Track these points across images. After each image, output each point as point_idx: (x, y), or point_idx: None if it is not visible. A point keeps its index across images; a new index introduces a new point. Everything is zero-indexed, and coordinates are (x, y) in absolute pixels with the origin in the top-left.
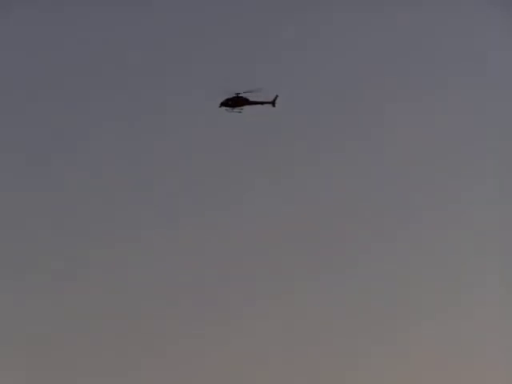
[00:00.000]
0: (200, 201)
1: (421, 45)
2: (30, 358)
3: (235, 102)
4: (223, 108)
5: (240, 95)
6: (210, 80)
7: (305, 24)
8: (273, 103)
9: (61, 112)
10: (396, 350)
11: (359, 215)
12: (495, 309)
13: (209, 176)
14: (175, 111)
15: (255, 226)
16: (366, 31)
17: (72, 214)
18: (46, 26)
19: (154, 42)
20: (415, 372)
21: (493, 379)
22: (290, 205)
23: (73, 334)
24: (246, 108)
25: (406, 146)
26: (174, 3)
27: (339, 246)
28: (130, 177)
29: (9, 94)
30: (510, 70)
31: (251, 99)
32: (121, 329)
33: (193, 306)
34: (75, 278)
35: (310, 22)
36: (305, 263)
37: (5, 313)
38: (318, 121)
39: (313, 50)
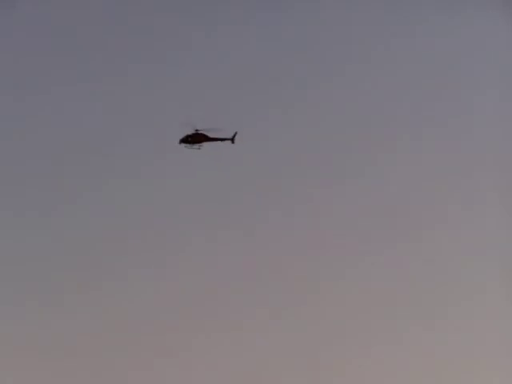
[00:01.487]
0: (164, 238)
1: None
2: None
3: (195, 138)
4: (183, 144)
5: (199, 131)
6: (171, 116)
7: (269, 60)
8: (232, 140)
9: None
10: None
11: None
12: (495, 312)
13: (173, 211)
14: (135, 147)
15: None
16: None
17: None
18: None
19: (116, 75)
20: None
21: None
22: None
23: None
24: (205, 144)
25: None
26: (131, 43)
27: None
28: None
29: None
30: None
31: (210, 136)
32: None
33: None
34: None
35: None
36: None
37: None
38: (280, 158)
39: (276, 87)
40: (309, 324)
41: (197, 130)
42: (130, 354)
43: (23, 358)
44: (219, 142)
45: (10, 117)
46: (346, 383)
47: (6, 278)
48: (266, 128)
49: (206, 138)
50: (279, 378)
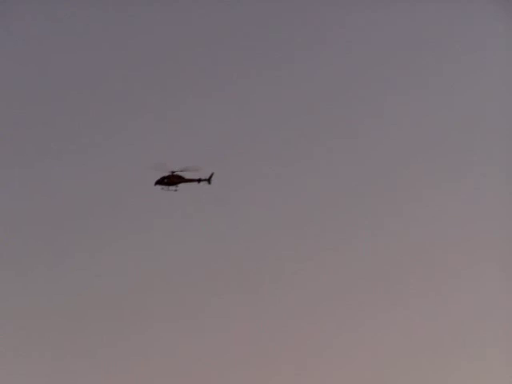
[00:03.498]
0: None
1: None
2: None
3: (171, 179)
4: (159, 186)
5: (175, 173)
6: (146, 157)
7: (238, 100)
8: (208, 180)
9: None
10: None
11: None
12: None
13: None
14: (110, 188)
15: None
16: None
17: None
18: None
19: (91, 119)
20: None
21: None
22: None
23: None
24: (182, 185)
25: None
26: (106, 84)
27: None
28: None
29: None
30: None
31: (187, 177)
32: None
33: None
34: None
35: (244, 98)
36: None
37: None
38: (253, 196)
39: (248, 127)
40: None
41: (173, 172)
42: None
43: None
44: (196, 182)
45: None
46: None
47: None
48: (246, 170)
49: (183, 180)
50: None
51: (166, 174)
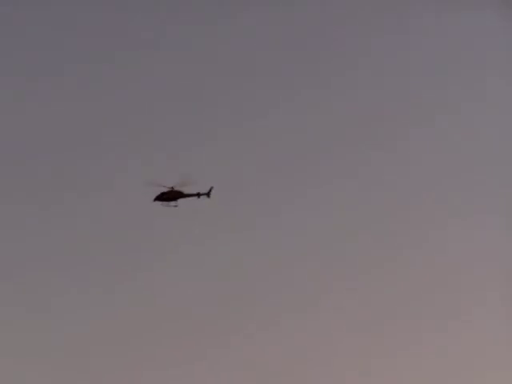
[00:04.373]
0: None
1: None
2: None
3: (170, 195)
4: (158, 202)
5: (175, 188)
6: (144, 174)
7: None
8: (208, 194)
9: None
10: None
11: None
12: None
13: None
14: (109, 205)
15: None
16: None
17: None
18: None
19: (88, 134)
20: None
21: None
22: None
23: None
24: (182, 201)
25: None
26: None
27: None
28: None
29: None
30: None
31: (186, 192)
32: None
33: None
34: None
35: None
36: None
37: None
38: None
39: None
40: None
41: (172, 188)
42: None
43: None
44: (195, 197)
45: None
46: None
47: None
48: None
49: (182, 195)
50: None
51: (165, 189)
